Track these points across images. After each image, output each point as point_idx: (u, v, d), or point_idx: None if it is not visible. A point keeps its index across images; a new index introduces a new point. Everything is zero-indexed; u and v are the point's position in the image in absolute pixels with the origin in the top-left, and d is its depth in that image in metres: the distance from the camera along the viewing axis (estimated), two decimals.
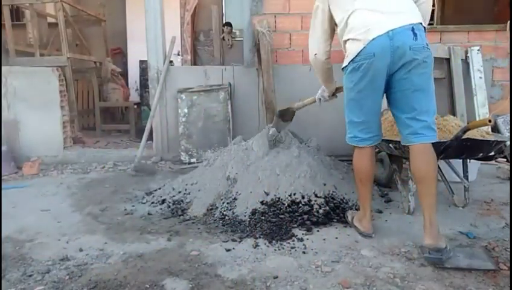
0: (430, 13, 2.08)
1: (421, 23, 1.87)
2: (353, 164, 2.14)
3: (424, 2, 2.02)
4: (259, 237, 2.15)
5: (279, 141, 2.81)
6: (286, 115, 2.90)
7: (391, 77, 1.90)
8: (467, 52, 3.99)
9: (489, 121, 1.94)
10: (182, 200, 2.71)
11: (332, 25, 2.10)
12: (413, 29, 1.82)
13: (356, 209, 2.42)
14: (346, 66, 1.96)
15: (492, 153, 2.50)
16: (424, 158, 1.89)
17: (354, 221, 2.25)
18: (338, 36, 2.05)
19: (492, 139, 2.46)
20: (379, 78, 1.88)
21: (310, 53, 2.20)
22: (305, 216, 2.34)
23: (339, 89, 2.43)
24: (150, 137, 4.05)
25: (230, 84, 4.01)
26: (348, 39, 1.92)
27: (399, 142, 2.38)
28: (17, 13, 6.26)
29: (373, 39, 1.82)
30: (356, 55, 1.87)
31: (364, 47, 1.84)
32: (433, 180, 1.88)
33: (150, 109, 4.12)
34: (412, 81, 1.86)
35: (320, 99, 2.54)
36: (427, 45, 1.86)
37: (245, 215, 2.38)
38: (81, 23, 6.40)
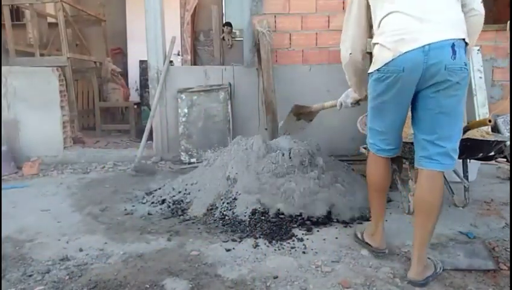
0: (480, 29, 1.78)
1: (463, 40, 1.62)
2: (367, 173, 1.97)
3: (476, 14, 1.73)
4: (259, 237, 2.15)
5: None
6: (303, 114, 2.75)
7: (417, 93, 1.70)
8: None
9: (489, 121, 1.94)
10: (182, 200, 2.70)
11: (370, 20, 1.86)
12: (453, 46, 1.58)
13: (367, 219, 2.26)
14: (371, 72, 1.77)
15: (492, 153, 2.50)
16: (431, 187, 1.70)
17: (364, 236, 2.05)
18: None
19: (492, 139, 2.46)
20: (405, 94, 1.70)
21: (343, 52, 1.96)
22: (305, 216, 2.34)
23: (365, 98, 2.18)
24: (150, 137, 4.06)
25: (230, 84, 4.01)
26: (377, 43, 1.72)
27: None
28: (17, 13, 6.25)
29: (405, 52, 1.61)
30: (383, 65, 1.68)
31: (393, 59, 1.64)
32: (435, 212, 1.70)
33: (150, 109, 4.12)
34: (439, 102, 1.64)
35: (341, 104, 2.31)
36: (466, 65, 1.63)
37: (245, 215, 2.37)
38: (81, 23, 6.40)
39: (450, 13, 1.65)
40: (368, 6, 1.83)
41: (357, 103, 2.25)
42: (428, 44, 1.58)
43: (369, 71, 1.80)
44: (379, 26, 1.73)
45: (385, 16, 1.70)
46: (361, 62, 1.94)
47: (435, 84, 1.63)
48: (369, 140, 1.93)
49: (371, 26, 1.87)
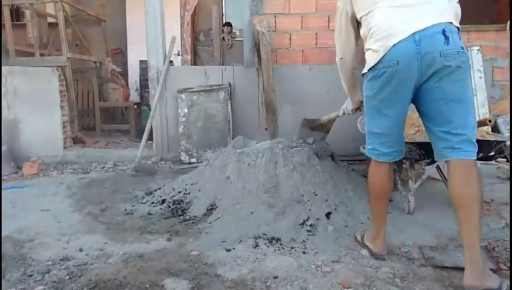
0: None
1: (451, 23, 1.60)
2: (368, 179, 1.91)
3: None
4: (259, 237, 2.15)
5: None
6: (317, 127, 2.85)
7: (420, 86, 1.65)
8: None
9: (489, 121, 1.94)
10: (182, 200, 2.71)
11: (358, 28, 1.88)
12: (444, 32, 1.56)
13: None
14: (366, 72, 1.75)
15: (492, 153, 2.50)
16: (463, 177, 1.60)
17: (365, 240, 2.02)
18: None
19: (492, 139, 2.46)
20: (404, 88, 1.65)
21: (336, 56, 1.99)
22: (306, 216, 2.33)
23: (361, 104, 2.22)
24: (150, 137, 4.06)
25: (230, 84, 4.01)
26: (369, 48, 1.71)
27: None
28: (17, 13, 6.25)
29: (394, 45, 1.59)
30: (376, 62, 1.65)
31: (385, 54, 1.62)
32: (475, 203, 1.57)
33: (150, 109, 4.13)
34: (445, 91, 1.60)
35: (344, 112, 2.35)
36: (462, 48, 1.59)
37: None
38: (81, 23, 6.40)
39: (434, 1, 1.63)
40: (353, 17, 1.84)
41: (358, 109, 2.27)
42: (418, 32, 1.56)
43: (362, 72, 1.78)
44: (369, 30, 1.72)
45: (369, 15, 1.70)
46: (351, 66, 1.96)
47: (436, 73, 1.59)
48: (368, 146, 1.87)
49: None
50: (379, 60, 1.64)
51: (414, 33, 1.57)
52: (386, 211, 1.94)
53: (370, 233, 2.01)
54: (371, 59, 1.70)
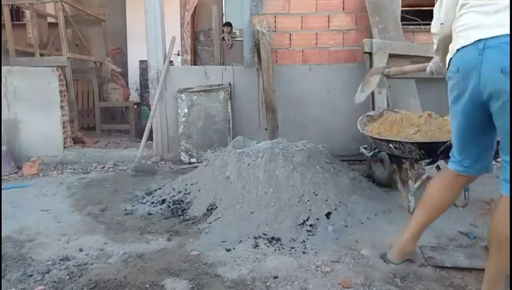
0: None
1: None
2: (428, 185, 1.78)
3: None
4: (259, 237, 2.15)
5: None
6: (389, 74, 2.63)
7: (486, 103, 1.42)
8: None
9: None
10: (182, 200, 2.71)
11: None
12: None
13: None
14: None
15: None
16: (508, 215, 1.44)
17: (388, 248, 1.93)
18: None
19: None
20: (463, 100, 1.46)
21: (433, 24, 1.72)
22: (306, 216, 2.33)
23: None
24: (150, 137, 4.06)
25: (230, 84, 4.01)
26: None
27: (399, 142, 2.39)
28: (17, 13, 6.25)
29: (458, 50, 1.42)
30: (448, 65, 1.52)
31: (451, 57, 1.47)
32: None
33: (150, 109, 4.13)
34: (509, 117, 1.35)
35: (432, 70, 2.00)
36: None
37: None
38: (81, 23, 6.39)
39: None
40: None
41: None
42: (484, 40, 1.33)
43: None
44: (455, 24, 1.53)
45: (459, 11, 1.50)
46: (450, 36, 1.64)
47: (499, 94, 1.34)
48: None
49: None
50: (448, 63, 1.51)
51: (479, 40, 1.35)
52: (424, 224, 1.80)
53: (400, 238, 1.89)
54: (448, 57, 1.56)
